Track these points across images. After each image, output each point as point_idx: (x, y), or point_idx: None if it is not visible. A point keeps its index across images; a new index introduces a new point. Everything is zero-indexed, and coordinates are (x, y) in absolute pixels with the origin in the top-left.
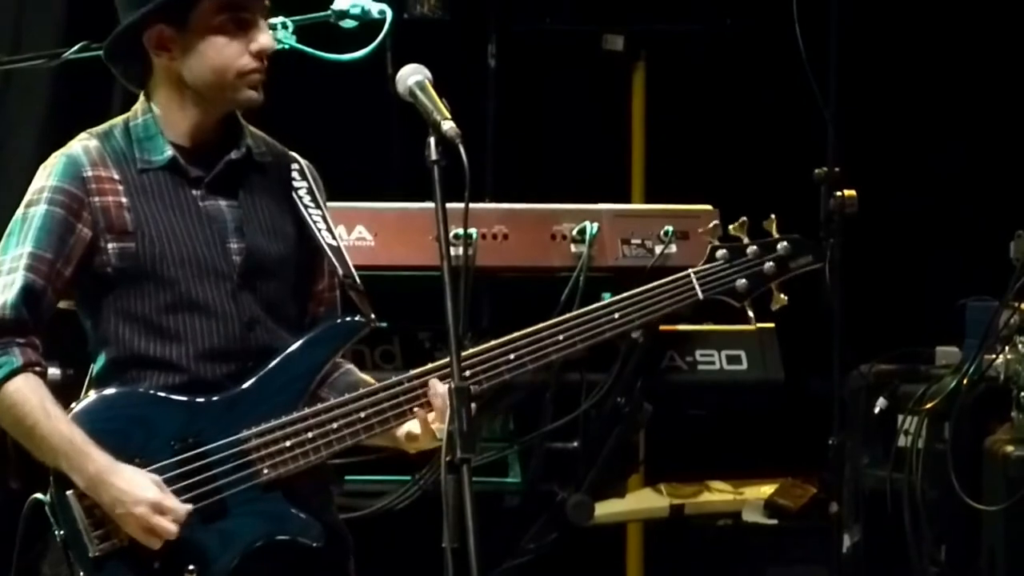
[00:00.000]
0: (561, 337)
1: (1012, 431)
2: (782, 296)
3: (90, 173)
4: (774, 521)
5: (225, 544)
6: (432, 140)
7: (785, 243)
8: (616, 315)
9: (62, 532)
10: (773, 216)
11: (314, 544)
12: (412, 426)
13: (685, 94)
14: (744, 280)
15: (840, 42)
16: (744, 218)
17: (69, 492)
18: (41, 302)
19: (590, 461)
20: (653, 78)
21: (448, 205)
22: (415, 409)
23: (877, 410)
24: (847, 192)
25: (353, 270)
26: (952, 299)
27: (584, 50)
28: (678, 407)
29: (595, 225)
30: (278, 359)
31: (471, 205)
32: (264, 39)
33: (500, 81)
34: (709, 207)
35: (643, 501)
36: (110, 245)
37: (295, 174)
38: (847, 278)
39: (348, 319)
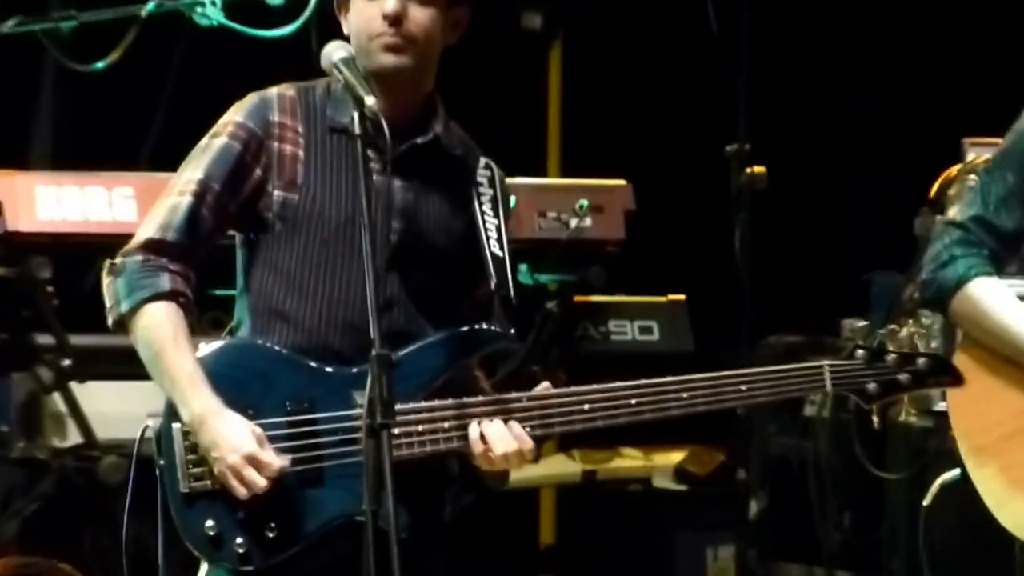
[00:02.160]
0: (685, 395)
1: (915, 402)
2: (912, 410)
3: (276, 118)
4: (683, 487)
5: (312, 512)
6: (355, 114)
7: (926, 360)
8: (743, 387)
9: (161, 462)
10: (924, 334)
11: (401, 534)
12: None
13: (601, 71)
14: (875, 384)
15: (752, 21)
16: (894, 326)
17: (175, 425)
18: (202, 230)
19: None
20: (570, 55)
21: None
22: (474, 434)
23: None
24: (756, 168)
25: (511, 284)
26: (858, 272)
27: (503, 26)
28: (591, 375)
29: (512, 198)
30: (409, 348)
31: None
32: (389, 3)
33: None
34: (623, 181)
35: (556, 466)
36: (276, 192)
37: (483, 179)
38: (757, 251)
39: (486, 328)
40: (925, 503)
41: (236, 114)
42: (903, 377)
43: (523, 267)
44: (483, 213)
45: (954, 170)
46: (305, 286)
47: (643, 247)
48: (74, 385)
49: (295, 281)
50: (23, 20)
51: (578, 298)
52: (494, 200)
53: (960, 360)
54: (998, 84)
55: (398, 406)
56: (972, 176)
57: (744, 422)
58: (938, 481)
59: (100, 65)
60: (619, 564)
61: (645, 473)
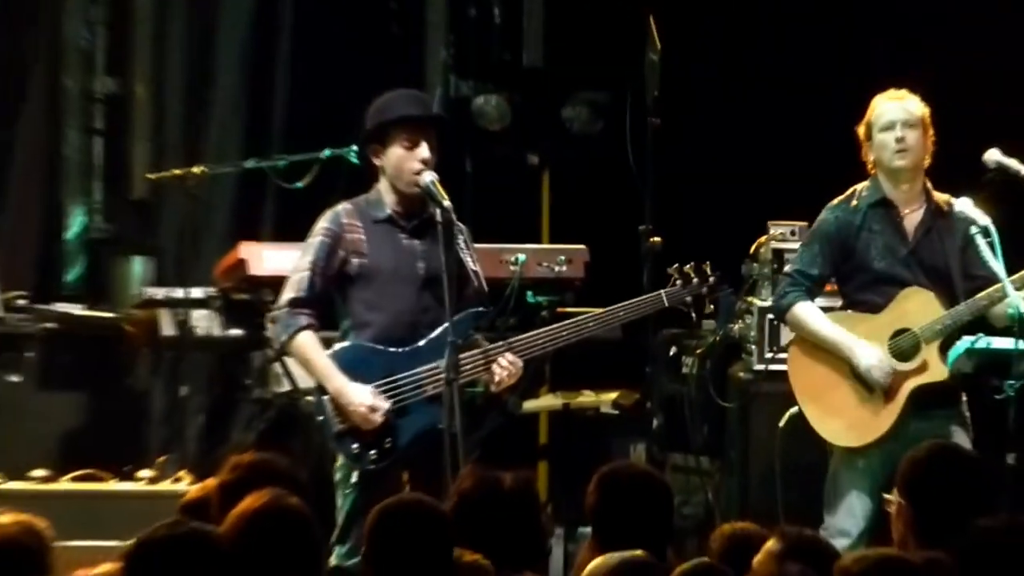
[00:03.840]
0: (591, 323)
1: (742, 365)
2: (711, 306)
3: (345, 221)
4: (617, 412)
5: (406, 428)
6: (439, 211)
7: (714, 278)
8: (621, 312)
9: (320, 418)
10: (708, 262)
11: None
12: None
13: (570, 187)
14: (690, 298)
15: (654, 159)
16: (693, 262)
17: (325, 397)
18: (317, 289)
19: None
20: (555, 178)
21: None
22: (492, 366)
23: (671, 353)
24: (655, 239)
25: (484, 285)
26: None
27: (517, 162)
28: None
29: (523, 256)
30: (439, 331)
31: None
32: (423, 152)
33: (474, 179)
34: (583, 246)
35: (548, 401)
36: (352, 259)
37: (459, 231)
38: (654, 285)
39: (478, 310)
40: (781, 424)
41: (324, 222)
42: (704, 291)
43: (529, 292)
44: (462, 250)
45: (763, 239)
46: (379, 306)
47: (594, 283)
48: (286, 358)
49: (373, 305)
50: (256, 160)
51: (559, 309)
52: (465, 241)
53: (794, 349)
54: (791, 184)
55: (441, 362)
56: (774, 242)
57: (650, 376)
58: (788, 413)
59: (300, 184)
60: (581, 456)
61: (596, 404)
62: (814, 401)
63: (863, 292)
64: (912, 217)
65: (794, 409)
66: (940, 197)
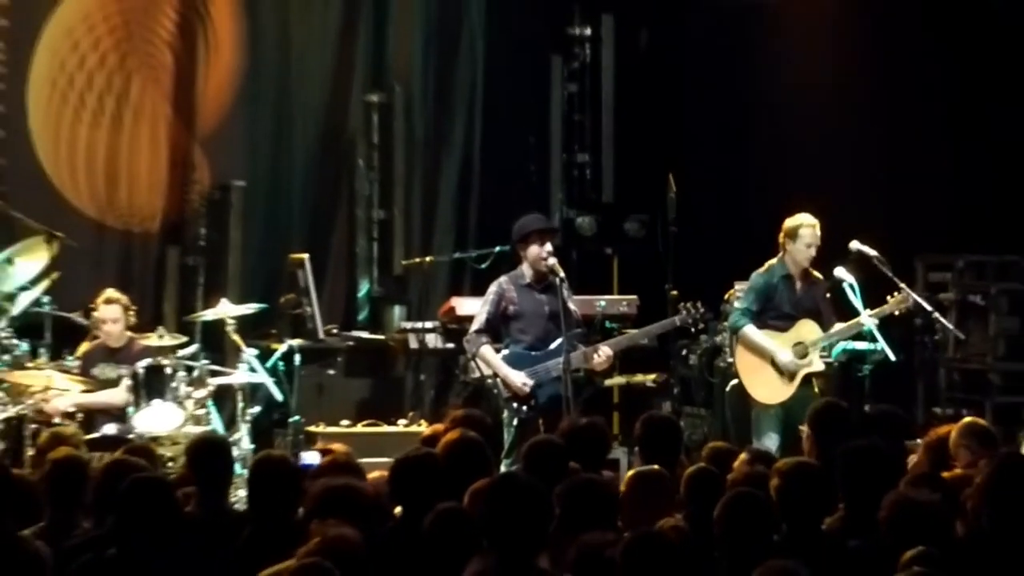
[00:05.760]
0: (637, 334)
1: (721, 359)
2: (703, 326)
3: (505, 286)
4: (655, 385)
5: (542, 395)
6: (557, 279)
7: (703, 310)
8: (654, 329)
9: (495, 391)
10: (698, 300)
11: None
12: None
13: (630, 265)
14: (690, 319)
15: (675, 245)
16: (689, 301)
17: (498, 379)
18: (492, 324)
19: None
20: (621, 260)
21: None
22: (592, 357)
23: (684, 353)
24: (674, 292)
25: (580, 317)
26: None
27: (600, 253)
28: (629, 354)
29: (604, 302)
30: (557, 342)
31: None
32: (548, 248)
33: (577, 263)
34: (635, 296)
35: (617, 379)
36: (510, 307)
37: (564, 285)
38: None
39: (577, 331)
40: (727, 390)
41: (494, 286)
42: (698, 316)
43: (607, 322)
44: (567, 297)
45: (732, 291)
46: (525, 331)
47: (641, 317)
48: (476, 359)
49: (522, 331)
50: (460, 252)
51: (623, 331)
52: (568, 289)
53: (739, 349)
54: (747, 259)
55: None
56: (737, 293)
57: (672, 366)
58: (731, 384)
59: (483, 266)
60: (636, 409)
61: (644, 381)
62: (747, 377)
63: (774, 321)
64: (799, 283)
65: (735, 381)
66: (811, 270)
